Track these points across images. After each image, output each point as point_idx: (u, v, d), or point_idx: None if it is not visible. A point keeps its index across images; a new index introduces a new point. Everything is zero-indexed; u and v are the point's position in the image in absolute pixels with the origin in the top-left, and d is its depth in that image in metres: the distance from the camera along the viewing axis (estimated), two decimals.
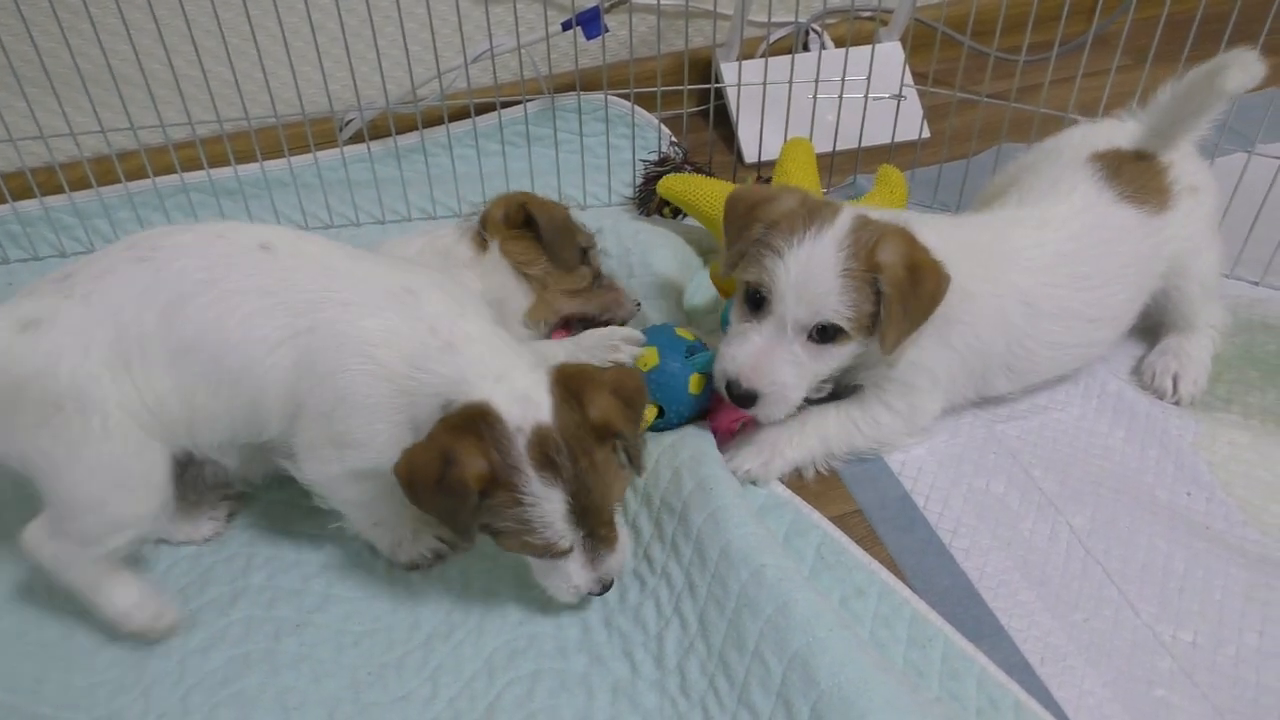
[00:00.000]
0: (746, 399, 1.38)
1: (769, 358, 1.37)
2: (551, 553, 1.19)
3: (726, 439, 1.50)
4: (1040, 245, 1.49)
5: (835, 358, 1.39)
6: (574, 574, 1.23)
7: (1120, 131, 1.59)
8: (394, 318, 1.20)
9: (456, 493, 1.10)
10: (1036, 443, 1.53)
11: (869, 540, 1.41)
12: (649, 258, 1.75)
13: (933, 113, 2.18)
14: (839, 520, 1.43)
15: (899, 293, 1.31)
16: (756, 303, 1.38)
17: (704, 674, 1.21)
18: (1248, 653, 1.26)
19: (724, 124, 2.20)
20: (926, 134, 2.14)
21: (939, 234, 1.42)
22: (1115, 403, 1.59)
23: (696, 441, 1.44)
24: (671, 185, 1.79)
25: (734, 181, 2.03)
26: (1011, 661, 1.26)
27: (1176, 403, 1.57)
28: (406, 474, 1.13)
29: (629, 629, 1.29)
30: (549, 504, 1.14)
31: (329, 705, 1.22)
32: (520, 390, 1.15)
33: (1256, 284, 1.77)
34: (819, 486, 1.49)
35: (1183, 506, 1.44)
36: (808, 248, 1.32)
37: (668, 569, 1.32)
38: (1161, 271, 1.56)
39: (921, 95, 2.10)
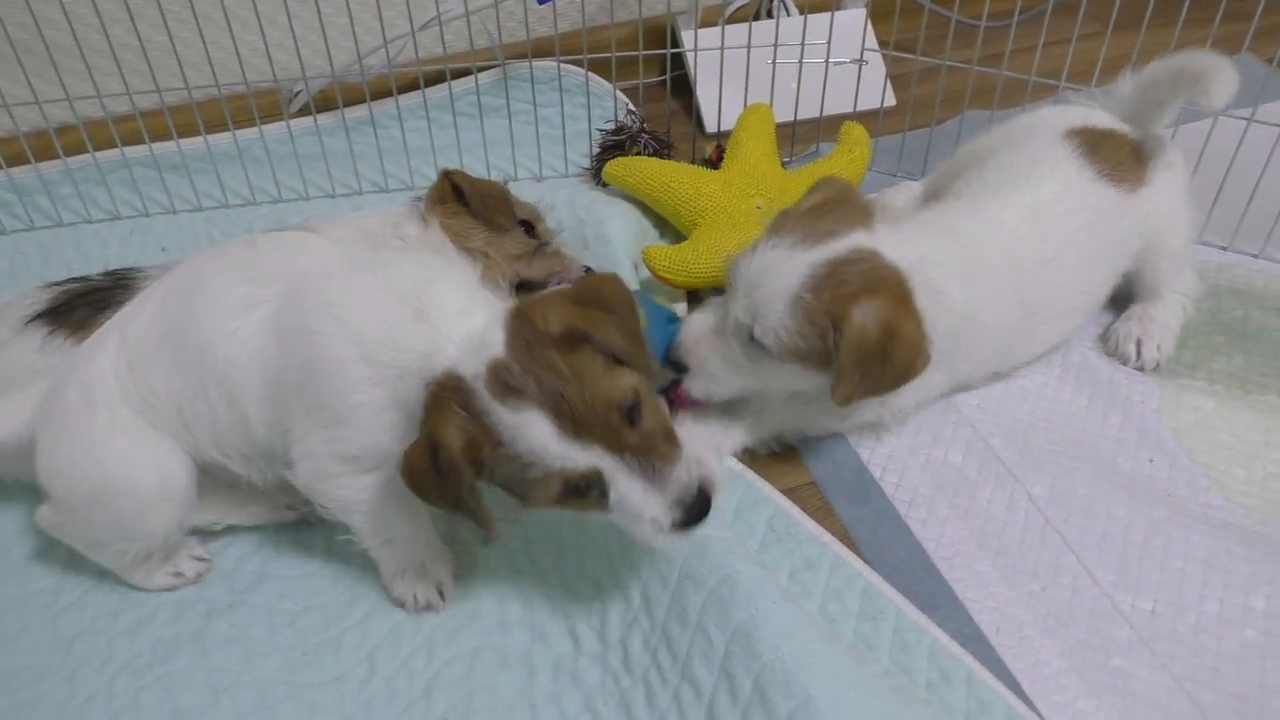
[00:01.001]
0: (678, 366, 1.35)
1: (707, 342, 1.34)
2: (580, 483, 1.04)
3: (682, 408, 1.46)
4: (1018, 233, 1.41)
5: (776, 372, 1.31)
6: (635, 503, 1.04)
7: (1090, 115, 1.55)
8: (360, 285, 1.14)
9: (452, 475, 1.04)
10: (997, 411, 1.49)
11: (823, 512, 1.37)
12: (603, 229, 1.71)
13: (897, 81, 2.13)
14: (792, 493, 1.39)
15: (859, 355, 1.21)
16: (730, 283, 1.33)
17: (647, 648, 1.17)
18: (1208, 621, 1.22)
19: (685, 94, 2.15)
20: (891, 101, 2.10)
21: (932, 270, 1.30)
22: (1078, 371, 1.55)
23: None
24: (614, 171, 1.75)
25: (694, 152, 2.00)
26: (966, 633, 1.22)
27: (1140, 369, 1.54)
28: (409, 474, 1.07)
29: (570, 605, 1.25)
30: (531, 428, 1.02)
31: (260, 687, 1.18)
32: (476, 338, 1.07)
33: (1224, 249, 1.74)
34: (772, 459, 1.45)
35: (1145, 474, 1.40)
36: (777, 255, 1.24)
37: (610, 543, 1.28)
38: (1137, 250, 1.52)
39: (886, 62, 2.06)
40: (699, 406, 1.43)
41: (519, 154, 1.93)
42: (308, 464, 1.16)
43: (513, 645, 1.21)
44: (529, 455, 1.02)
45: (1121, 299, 1.61)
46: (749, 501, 1.36)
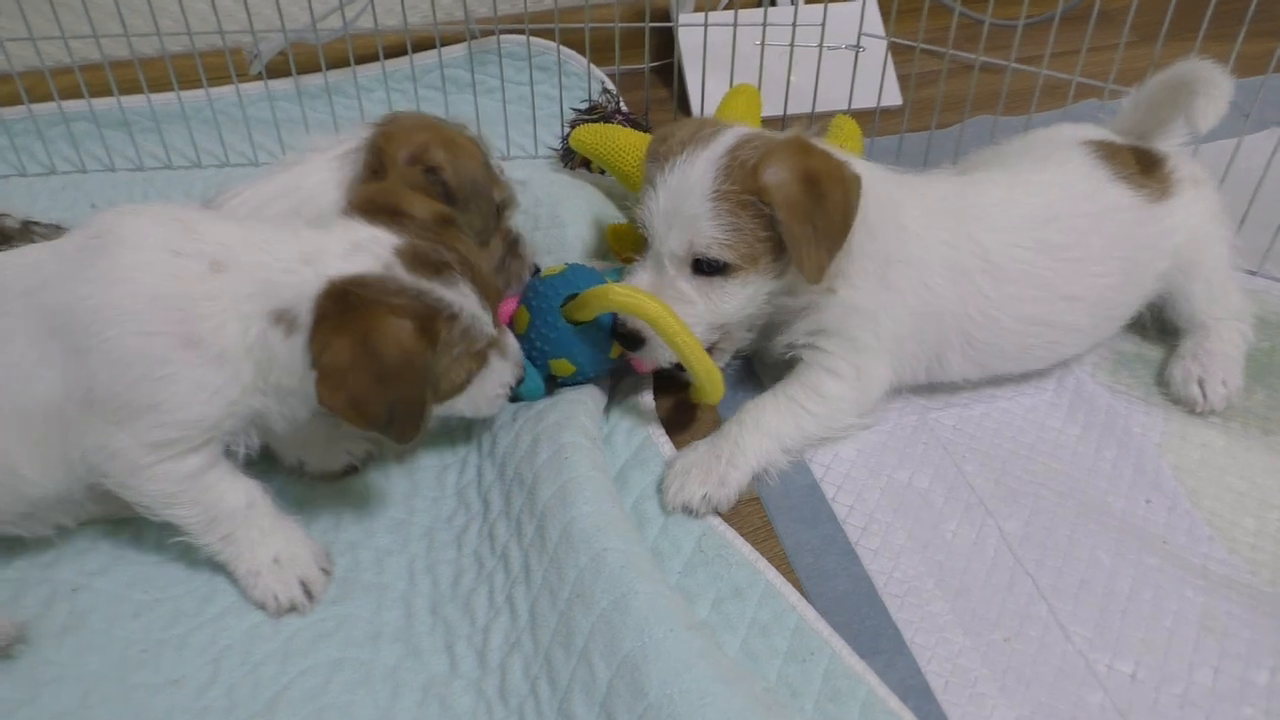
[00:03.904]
0: (630, 339, 1.21)
1: (653, 292, 1.19)
2: (488, 352, 1.09)
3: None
4: (1007, 204, 1.30)
5: (735, 294, 1.20)
6: (499, 369, 1.12)
7: (1105, 134, 1.43)
8: (115, 262, 0.99)
9: (407, 368, 0.95)
10: (974, 434, 1.32)
11: (762, 533, 1.20)
12: (558, 210, 1.55)
13: (919, 79, 1.98)
14: (735, 508, 1.22)
15: (797, 213, 1.13)
16: (645, 242, 1.22)
17: (527, 676, 1.00)
18: (1198, 693, 1.03)
19: (669, 85, 2.00)
20: (897, 100, 1.93)
21: (874, 174, 1.24)
22: (1073, 396, 1.37)
23: (569, 406, 1.23)
24: (582, 137, 1.60)
25: None
26: (909, 684, 1.04)
27: (1211, 412, 1.34)
28: (345, 396, 0.95)
29: (455, 618, 1.08)
30: (468, 300, 1.02)
31: (87, 684, 1.03)
32: (345, 243, 1.00)
33: (1253, 274, 1.55)
34: None
35: (1138, 516, 1.21)
36: (679, 172, 1.16)
37: (508, 550, 1.11)
38: (1163, 270, 1.37)
39: (892, 61, 1.90)
40: (679, 456, 1.25)
41: (486, 132, 1.78)
42: (117, 463, 1.02)
43: (380, 660, 1.05)
44: (473, 328, 1.03)
45: (1149, 328, 1.44)
46: (679, 516, 1.19)
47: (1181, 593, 1.12)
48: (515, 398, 1.23)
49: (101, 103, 1.75)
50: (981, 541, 1.18)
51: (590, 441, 1.18)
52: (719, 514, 1.20)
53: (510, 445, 1.21)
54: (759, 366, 1.40)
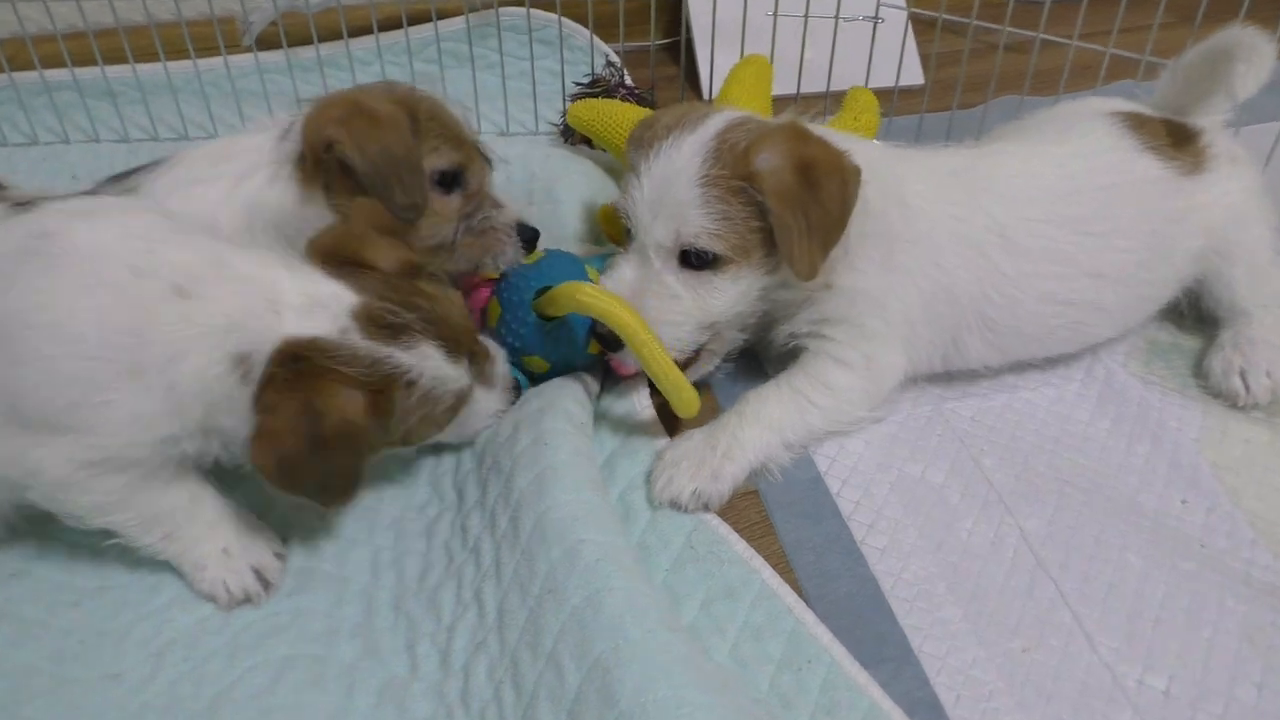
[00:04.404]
0: (609, 340, 1.12)
1: (636, 289, 1.11)
2: (462, 402, 1.04)
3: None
4: (1024, 176, 1.21)
5: (725, 289, 1.11)
6: (484, 402, 1.10)
7: (1137, 107, 1.33)
8: (67, 270, 0.91)
9: (347, 441, 0.91)
10: (994, 426, 1.21)
11: (760, 529, 1.10)
12: (554, 187, 1.47)
13: (940, 59, 1.88)
14: (733, 502, 1.12)
15: (789, 202, 1.04)
16: (629, 233, 1.14)
17: (491, 679, 0.91)
18: (1240, 712, 0.93)
19: (679, 63, 1.91)
20: (919, 79, 1.83)
21: (874, 152, 1.15)
22: (1102, 388, 1.26)
23: (554, 391, 1.14)
24: (579, 113, 1.51)
25: None
26: (916, 697, 0.94)
27: (1255, 406, 1.23)
28: (275, 460, 0.90)
29: (420, 615, 0.99)
30: (429, 361, 0.97)
31: (17, 677, 0.94)
32: (306, 297, 0.94)
33: None
34: None
35: (1174, 517, 1.11)
36: (664, 157, 1.08)
37: (480, 543, 1.02)
38: (1196, 250, 1.26)
39: (915, 40, 1.80)
40: (671, 446, 1.15)
41: (485, 107, 1.70)
42: (41, 478, 0.93)
43: (336, 658, 0.96)
44: (435, 388, 0.98)
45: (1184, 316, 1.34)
46: (669, 509, 1.09)
47: (1221, 601, 1.01)
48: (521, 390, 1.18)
49: (85, 72, 1.68)
50: (1000, 542, 1.08)
51: (574, 427, 1.08)
52: (709, 510, 1.10)
53: (490, 432, 1.12)
54: (763, 357, 1.31)
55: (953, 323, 1.18)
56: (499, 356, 1.12)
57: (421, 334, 0.96)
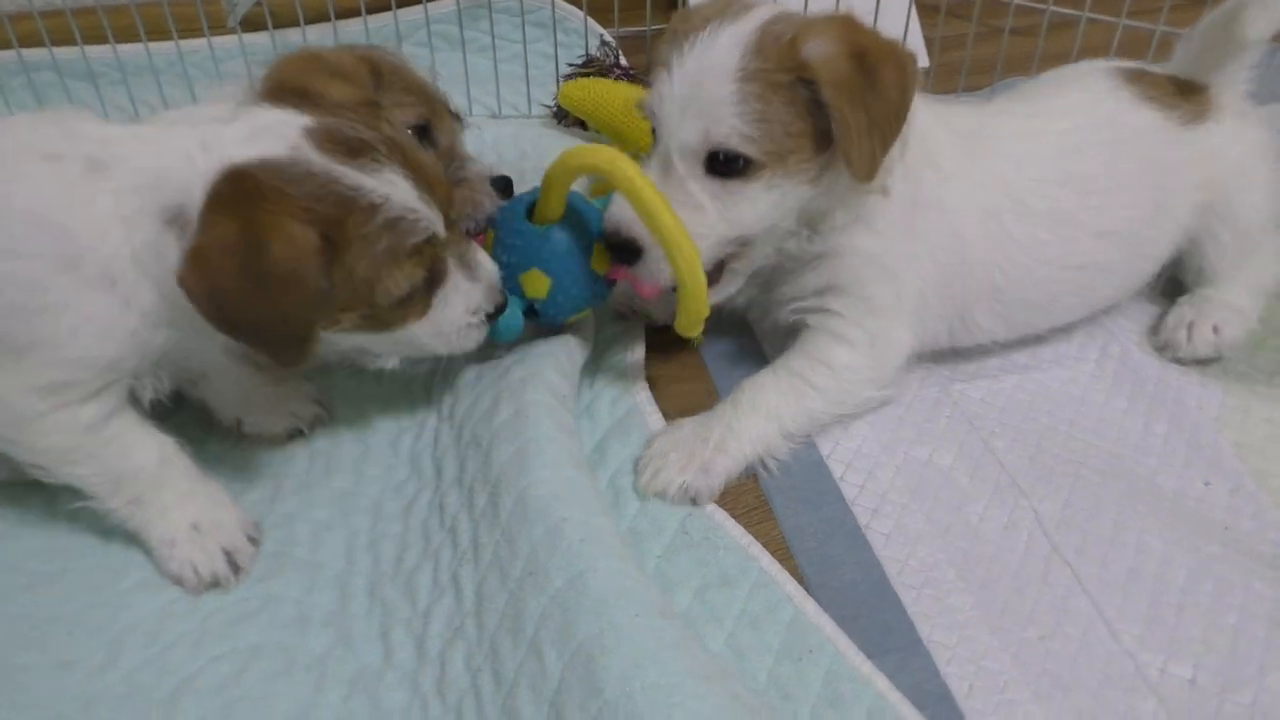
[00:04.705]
0: (626, 250, 1.02)
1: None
2: (444, 264, 0.93)
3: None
4: (1029, 135, 1.15)
5: (756, 200, 1.00)
6: (468, 290, 0.97)
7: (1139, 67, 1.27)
8: None
9: (293, 281, 0.79)
10: (1005, 408, 1.15)
11: (758, 514, 1.05)
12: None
13: (945, 43, 1.83)
14: (729, 486, 1.06)
15: (847, 93, 0.94)
16: (653, 135, 1.03)
17: (469, 668, 0.85)
18: (1270, 700, 0.86)
19: None
20: (924, 62, 1.78)
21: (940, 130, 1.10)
22: (1117, 366, 1.20)
23: (536, 361, 1.08)
24: (571, 93, 1.46)
25: None
26: (925, 688, 0.88)
27: (1191, 359, 1.19)
28: (207, 289, 0.79)
29: (395, 600, 0.94)
30: (396, 188, 0.85)
31: None
32: (247, 129, 0.84)
33: None
34: None
35: (1195, 498, 1.05)
36: (699, 49, 0.97)
37: (457, 522, 0.97)
38: (1196, 203, 1.19)
39: (921, 24, 1.75)
40: (662, 434, 1.08)
41: (477, 91, 1.66)
42: (1, 415, 0.87)
43: (306, 647, 0.90)
44: (405, 220, 0.86)
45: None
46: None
47: (1248, 584, 0.95)
48: (490, 337, 1.05)
49: (64, 51, 1.63)
50: (1013, 526, 1.02)
51: (558, 400, 1.03)
52: (697, 505, 1.03)
53: (470, 405, 1.06)
54: (760, 335, 1.25)
55: (963, 293, 1.13)
56: (485, 256, 1.00)
57: (385, 155, 0.85)
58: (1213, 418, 1.13)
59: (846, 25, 0.97)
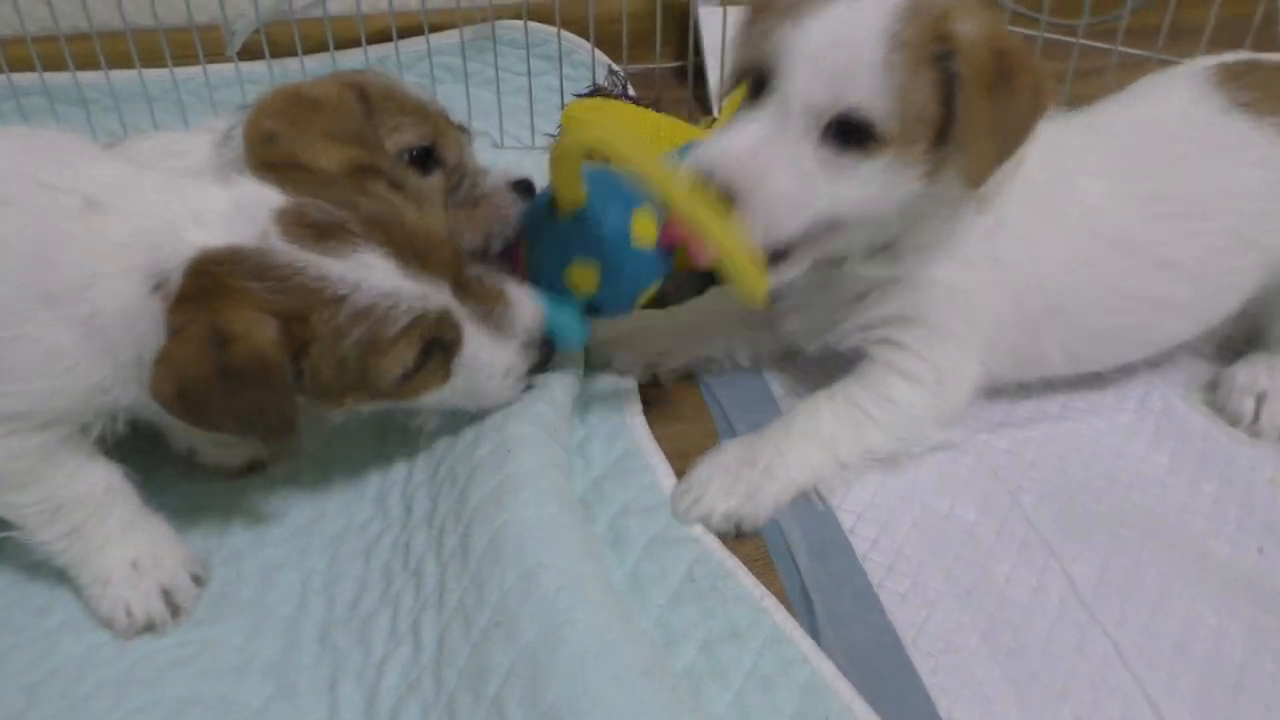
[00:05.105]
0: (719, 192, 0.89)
1: (764, 149, 0.88)
2: (437, 333, 0.85)
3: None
4: (1095, 149, 1.04)
5: (870, 181, 0.89)
6: (488, 352, 0.90)
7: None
8: None
9: (257, 374, 0.77)
10: (1034, 460, 1.05)
11: (758, 565, 0.94)
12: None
13: None
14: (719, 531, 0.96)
15: (984, 82, 0.86)
16: (758, 87, 0.92)
17: None
18: None
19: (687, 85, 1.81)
20: None
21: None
22: (1159, 420, 1.10)
23: (525, 393, 0.99)
24: (576, 113, 1.38)
25: None
26: None
27: (1257, 435, 1.08)
28: (176, 390, 0.76)
29: (347, 649, 0.83)
30: (371, 271, 0.80)
31: None
32: (229, 204, 0.80)
33: None
34: None
35: (1248, 567, 0.94)
36: (842, 6, 0.87)
37: (423, 564, 0.86)
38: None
39: None
40: (705, 457, 0.99)
41: (480, 124, 1.60)
42: None
43: (242, 699, 0.80)
44: (379, 306, 0.80)
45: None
46: (668, 535, 0.94)
47: None
48: (553, 350, 0.98)
49: (55, 77, 1.58)
50: (1043, 589, 0.91)
51: (546, 433, 0.93)
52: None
53: (450, 440, 0.97)
54: (770, 372, 1.16)
55: (1035, 325, 1.03)
56: (526, 306, 0.94)
57: (360, 236, 0.80)
58: (1267, 479, 1.02)
59: (995, 22, 0.90)
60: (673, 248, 1.01)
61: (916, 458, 1.04)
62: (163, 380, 0.76)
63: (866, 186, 0.90)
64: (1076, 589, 0.91)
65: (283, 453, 0.96)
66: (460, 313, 0.87)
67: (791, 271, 0.96)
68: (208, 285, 0.76)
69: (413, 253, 0.82)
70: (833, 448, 0.99)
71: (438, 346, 0.87)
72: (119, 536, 0.86)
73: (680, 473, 1.01)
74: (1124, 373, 1.14)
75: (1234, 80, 1.06)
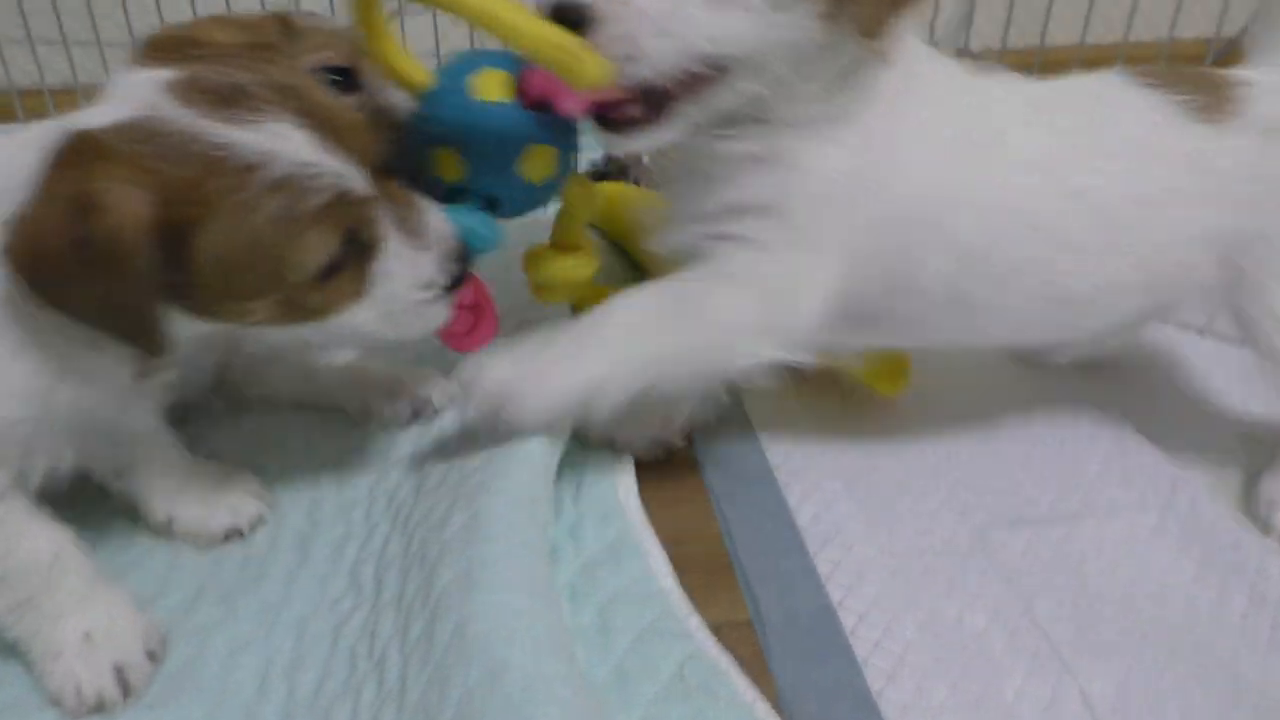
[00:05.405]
0: (573, 12, 0.80)
1: None
2: (355, 220, 0.77)
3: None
4: (1018, 91, 0.98)
5: (757, 12, 0.80)
6: (407, 258, 0.81)
7: None
8: None
9: (114, 250, 0.68)
10: (1051, 563, 0.99)
11: (753, 666, 0.88)
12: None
13: None
14: (721, 630, 0.90)
15: None
16: None
17: None
18: None
19: None
20: None
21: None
22: (1185, 524, 1.04)
23: (504, 461, 0.92)
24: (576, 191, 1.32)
25: None
26: None
27: None
28: (29, 257, 0.69)
29: None
30: (286, 142, 0.72)
31: None
32: (113, 93, 0.75)
33: None
34: (704, 574, 0.96)
35: None
36: None
37: (387, 652, 0.81)
38: (1212, 230, 0.97)
39: None
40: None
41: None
42: None
43: None
44: (303, 172, 0.72)
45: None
46: (660, 631, 0.88)
47: None
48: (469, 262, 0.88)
49: None
50: (1057, 707, 0.85)
51: (523, 506, 0.86)
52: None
53: (426, 511, 0.92)
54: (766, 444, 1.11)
55: (923, 238, 0.92)
56: (436, 214, 0.84)
57: (270, 103, 0.72)
58: None
59: None
60: (539, 100, 0.89)
61: (884, 557, 0.97)
62: (19, 243, 0.69)
63: (754, 21, 0.80)
64: (1092, 709, 0.84)
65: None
66: (380, 208, 0.79)
67: (667, 134, 0.88)
68: (89, 150, 0.69)
69: (330, 128, 0.75)
70: (641, 345, 0.89)
71: (356, 247, 0.79)
72: (72, 606, 0.81)
73: (676, 559, 0.96)
74: (1150, 467, 1.08)
75: (1153, 74, 1.00)
